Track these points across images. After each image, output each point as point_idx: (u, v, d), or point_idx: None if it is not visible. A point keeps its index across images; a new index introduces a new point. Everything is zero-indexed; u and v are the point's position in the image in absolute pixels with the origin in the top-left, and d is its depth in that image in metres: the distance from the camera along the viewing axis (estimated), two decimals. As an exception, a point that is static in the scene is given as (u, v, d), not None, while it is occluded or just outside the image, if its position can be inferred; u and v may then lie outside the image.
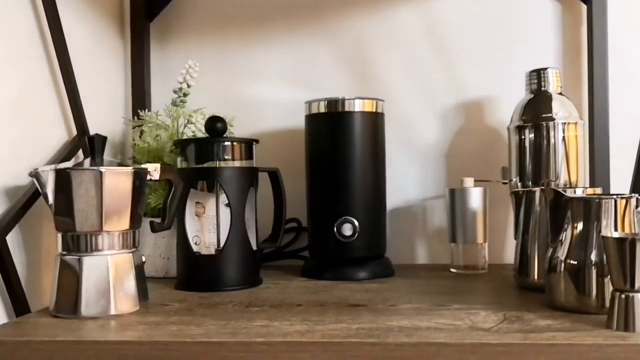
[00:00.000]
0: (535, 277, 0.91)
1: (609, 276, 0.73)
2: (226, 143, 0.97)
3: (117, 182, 0.79)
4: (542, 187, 0.83)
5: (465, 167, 1.18)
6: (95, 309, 0.77)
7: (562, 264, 0.78)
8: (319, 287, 0.96)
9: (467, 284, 0.98)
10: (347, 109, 1.03)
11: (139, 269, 0.82)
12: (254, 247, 0.99)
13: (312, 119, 1.06)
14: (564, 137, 1.03)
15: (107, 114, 1.15)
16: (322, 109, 1.04)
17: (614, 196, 0.76)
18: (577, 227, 0.78)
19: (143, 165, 0.84)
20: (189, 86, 1.10)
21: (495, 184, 1.10)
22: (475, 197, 1.07)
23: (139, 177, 0.82)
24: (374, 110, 1.04)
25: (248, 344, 0.66)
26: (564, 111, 1.04)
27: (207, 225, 1.01)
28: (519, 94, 1.10)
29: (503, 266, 1.14)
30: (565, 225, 0.79)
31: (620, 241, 0.67)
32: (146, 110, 1.13)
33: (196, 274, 0.96)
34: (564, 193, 0.79)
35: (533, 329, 0.68)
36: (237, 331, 0.70)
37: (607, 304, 0.73)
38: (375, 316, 0.76)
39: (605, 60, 1.12)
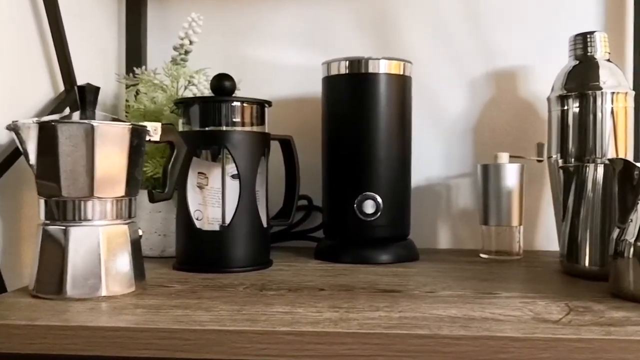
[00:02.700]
0: (587, 263, 0.79)
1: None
2: (235, 103, 0.85)
3: (112, 139, 0.67)
4: (610, 159, 0.72)
5: (495, 143, 1.06)
6: (84, 288, 0.65)
7: (632, 248, 0.67)
8: (338, 270, 0.85)
9: (506, 270, 0.86)
10: (371, 70, 0.91)
11: (135, 243, 0.70)
12: (265, 224, 0.87)
13: (331, 82, 0.94)
14: (612, 109, 0.92)
15: (97, 70, 1.02)
16: (343, 70, 0.92)
17: (696, 169, 0.66)
18: (650, 204, 0.67)
19: (142, 123, 0.72)
20: (191, 42, 0.98)
21: (527, 161, 0.99)
22: (510, 175, 0.95)
23: (138, 135, 0.69)
24: (402, 73, 0.92)
25: (271, 334, 0.54)
26: (613, 80, 0.93)
27: (211, 198, 0.89)
28: (556, 63, 0.99)
29: (537, 252, 1.03)
30: (636, 203, 0.68)
31: None
32: (143, 68, 1.01)
33: (199, 252, 0.84)
34: (636, 164, 0.68)
35: (610, 322, 0.57)
36: (255, 318, 0.58)
37: (687, 294, 0.63)
38: (416, 304, 0.64)
39: (655, 27, 1.01)
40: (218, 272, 0.81)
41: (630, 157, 0.93)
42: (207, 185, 0.89)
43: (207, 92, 0.95)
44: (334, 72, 0.93)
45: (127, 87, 0.99)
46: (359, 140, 0.91)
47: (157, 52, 1.09)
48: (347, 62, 0.92)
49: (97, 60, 1.02)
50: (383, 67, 0.91)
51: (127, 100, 1.00)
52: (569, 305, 0.64)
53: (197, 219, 0.86)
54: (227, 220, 0.84)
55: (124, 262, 0.68)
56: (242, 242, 0.83)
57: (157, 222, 0.93)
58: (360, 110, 0.90)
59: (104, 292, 0.66)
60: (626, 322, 0.57)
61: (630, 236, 0.67)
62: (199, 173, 0.88)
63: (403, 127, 0.93)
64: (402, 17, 1.09)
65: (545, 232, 1.07)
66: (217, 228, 0.86)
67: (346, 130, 0.92)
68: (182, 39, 0.97)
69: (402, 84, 0.92)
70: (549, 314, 0.60)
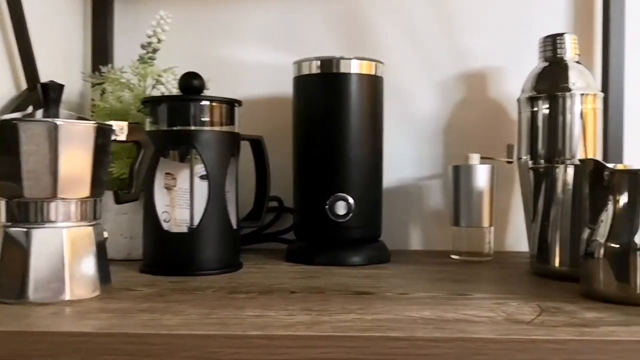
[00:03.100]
0: (557, 263, 0.80)
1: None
2: (204, 103, 0.83)
3: (76, 138, 0.64)
4: (581, 159, 0.72)
5: (465, 144, 1.06)
6: (47, 293, 0.63)
7: (603, 248, 0.67)
8: (310, 272, 0.83)
9: (478, 271, 0.86)
10: (342, 70, 0.90)
11: (101, 246, 0.68)
12: (234, 225, 0.85)
13: (302, 81, 0.93)
14: (581, 110, 0.93)
15: (62, 69, 0.99)
16: (315, 70, 0.91)
17: (665, 170, 0.66)
18: (619, 205, 0.67)
19: (108, 122, 0.69)
20: (159, 41, 0.96)
21: (496, 162, 0.99)
22: (481, 176, 0.95)
23: (103, 134, 0.67)
24: (374, 73, 0.92)
25: (242, 338, 0.53)
26: (582, 81, 0.94)
27: (179, 199, 0.87)
28: (525, 65, 0.99)
29: (507, 253, 1.03)
30: (606, 204, 0.68)
31: (687, 219, 0.57)
32: (109, 66, 0.98)
33: (167, 255, 0.82)
34: (606, 165, 0.68)
35: (583, 323, 0.57)
36: (226, 322, 0.57)
37: (657, 293, 0.64)
38: (389, 306, 0.63)
39: (623, 29, 1.02)
40: (186, 275, 0.79)
41: (599, 159, 0.94)
42: (174, 186, 0.87)
43: (176, 92, 0.93)
44: (305, 71, 0.92)
45: (93, 85, 0.96)
46: (331, 140, 0.89)
47: (125, 50, 1.06)
48: (319, 62, 0.91)
49: (62, 59, 1.00)
50: (355, 67, 0.90)
51: (92, 100, 0.97)
52: (541, 306, 0.64)
53: (164, 221, 0.84)
54: (196, 221, 0.83)
55: (88, 265, 0.66)
56: (211, 244, 0.82)
57: (123, 224, 0.91)
58: (332, 110, 0.89)
59: (67, 296, 0.63)
60: (599, 323, 0.57)
61: (601, 237, 0.67)
62: (166, 174, 0.86)
63: (375, 128, 0.92)
64: (372, 17, 1.08)
65: (515, 233, 1.07)
66: (185, 230, 0.84)
67: (318, 131, 0.90)
68: (150, 37, 0.95)
69: (373, 84, 0.92)
70: (521, 314, 0.60)
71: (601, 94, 0.95)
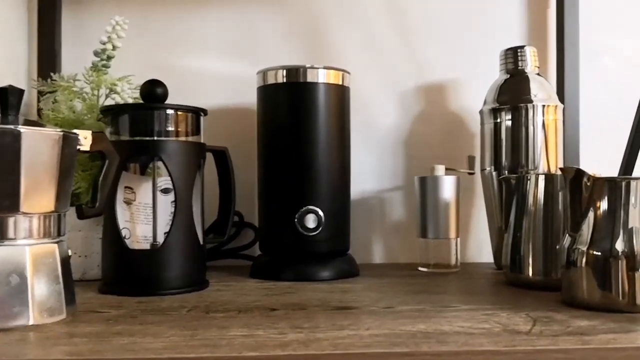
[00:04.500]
0: (531, 273, 0.80)
1: (638, 269, 0.64)
2: (169, 111, 0.79)
3: (41, 147, 0.59)
4: (561, 167, 0.72)
5: (426, 156, 1.06)
6: (8, 317, 0.57)
7: (585, 256, 0.67)
8: (282, 288, 0.80)
9: (450, 283, 0.85)
10: (309, 79, 0.87)
11: (65, 264, 0.63)
12: (201, 241, 0.81)
13: (268, 91, 0.90)
14: (543, 121, 0.94)
15: (6, 75, 0.92)
16: (281, 79, 0.88)
17: (643, 177, 0.67)
18: (600, 212, 0.67)
19: (74, 131, 0.64)
20: (114, 48, 0.90)
21: (457, 174, 0.98)
22: (447, 187, 0.95)
23: (69, 143, 0.62)
24: (341, 83, 0.90)
25: (238, 360, 0.49)
26: (544, 93, 0.95)
27: (139, 214, 0.82)
28: (483, 77, 1.01)
29: (471, 264, 1.03)
30: (587, 212, 0.68)
31: (676, 225, 0.57)
32: (59, 74, 0.92)
33: (130, 273, 0.76)
34: (587, 172, 0.68)
35: (581, 331, 0.56)
36: (215, 343, 0.53)
37: (639, 300, 0.64)
38: (380, 320, 0.61)
39: (577, 41, 1.05)
40: (151, 294, 0.75)
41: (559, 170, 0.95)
42: (134, 200, 0.82)
43: (132, 101, 0.88)
44: (270, 81, 0.89)
45: (43, 94, 0.90)
46: (299, 151, 0.87)
47: (73, 57, 1.00)
48: (285, 71, 0.88)
49: (5, 65, 0.93)
50: (322, 77, 0.88)
51: (40, 109, 0.91)
52: (531, 315, 0.63)
53: (124, 237, 0.79)
54: (159, 237, 0.78)
55: (54, 286, 0.60)
56: (178, 262, 0.77)
57: (77, 242, 0.85)
58: (299, 120, 0.87)
59: (31, 321, 0.58)
60: (595, 331, 0.56)
61: (583, 245, 0.68)
62: (125, 187, 0.81)
63: (342, 138, 0.90)
64: (332, 28, 1.07)
65: (476, 243, 1.08)
66: (147, 247, 0.79)
67: (284, 142, 0.88)
68: (104, 43, 0.89)
69: (341, 94, 0.90)
70: (516, 325, 0.59)
71: (561, 105, 0.96)
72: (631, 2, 1.10)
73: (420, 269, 0.95)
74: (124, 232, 0.79)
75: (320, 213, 0.86)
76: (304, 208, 0.86)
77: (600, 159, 1.02)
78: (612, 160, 0.99)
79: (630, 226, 0.66)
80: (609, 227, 0.67)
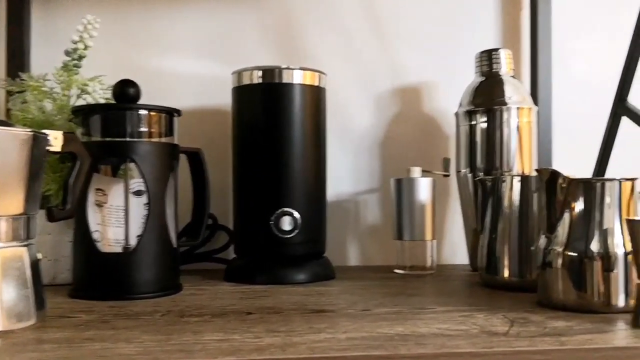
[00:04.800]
0: (506, 274, 0.80)
1: (613, 270, 0.65)
2: (142, 112, 0.77)
3: (9, 147, 0.57)
4: (537, 169, 0.73)
5: (402, 158, 1.06)
6: (-26, 324, 0.55)
7: (561, 257, 0.67)
8: (257, 291, 0.79)
9: (426, 285, 0.85)
10: (285, 80, 0.87)
11: (35, 268, 0.61)
12: (174, 244, 0.80)
13: (243, 92, 0.89)
14: (517, 124, 0.94)
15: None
16: (256, 80, 0.87)
17: (617, 178, 0.67)
18: (575, 214, 0.68)
19: (44, 131, 0.62)
20: (86, 47, 0.88)
21: (432, 176, 0.98)
22: (423, 189, 0.94)
23: (39, 143, 0.60)
24: (317, 84, 0.89)
25: (215, 365, 0.48)
26: (518, 95, 0.96)
27: (111, 217, 0.80)
28: (458, 80, 1.01)
29: (446, 266, 1.03)
30: (563, 213, 0.68)
31: (651, 225, 0.58)
32: (28, 73, 0.90)
33: (101, 277, 0.75)
34: (563, 174, 0.69)
35: (558, 332, 0.56)
36: (189, 348, 0.52)
37: (614, 301, 0.65)
38: (357, 323, 0.60)
39: (550, 45, 1.06)
40: (124, 298, 0.73)
41: (533, 171, 0.96)
42: (106, 203, 0.80)
43: (103, 102, 0.86)
44: (246, 81, 0.88)
45: (12, 94, 0.87)
46: (274, 153, 0.86)
47: (42, 57, 0.98)
48: (260, 72, 0.87)
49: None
50: (298, 78, 0.87)
51: (9, 109, 0.88)
52: (507, 316, 0.63)
53: (95, 241, 0.77)
54: (131, 240, 0.76)
55: (23, 291, 0.58)
56: (150, 265, 0.76)
57: (47, 245, 0.82)
58: (274, 121, 0.86)
59: (0, 327, 0.56)
60: (572, 332, 0.57)
61: (559, 246, 0.68)
62: (97, 189, 0.79)
63: (318, 140, 0.89)
64: (308, 29, 1.06)
65: (451, 245, 1.08)
66: (119, 250, 0.77)
67: (260, 143, 0.86)
68: (75, 43, 0.87)
69: (317, 96, 0.89)
70: (493, 326, 0.59)
71: (535, 108, 0.97)
72: (603, 7, 1.11)
73: (396, 271, 0.95)
74: (95, 235, 0.77)
75: (297, 215, 0.85)
76: (280, 210, 0.85)
77: (573, 160, 1.03)
78: (585, 161, 1.01)
79: (605, 227, 0.66)
80: (584, 228, 0.67)
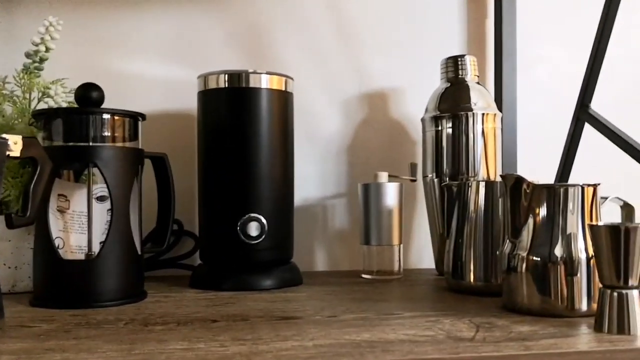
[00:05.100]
0: (472, 279, 0.80)
1: (576, 274, 0.66)
2: (106, 116, 0.76)
3: (-34, 153, 0.56)
4: (502, 175, 0.73)
5: (369, 163, 1.06)
6: None
7: (525, 262, 0.68)
8: (223, 298, 0.78)
9: (393, 290, 0.85)
10: (252, 84, 0.86)
11: (-7, 277, 0.59)
12: (139, 250, 0.78)
13: (209, 96, 0.88)
14: (483, 129, 0.95)
15: None
16: (222, 84, 0.87)
17: (580, 184, 0.68)
18: (539, 219, 0.68)
19: (2, 135, 0.61)
20: (47, 49, 0.87)
21: (400, 181, 0.99)
22: (391, 194, 0.95)
23: (-3, 148, 0.59)
24: (284, 89, 0.89)
25: (179, 375, 0.47)
26: (483, 101, 0.96)
27: (74, 223, 0.78)
28: (423, 86, 1.02)
29: (413, 271, 1.04)
30: (527, 218, 0.69)
31: (612, 231, 0.59)
32: (-13, 76, 0.87)
33: (63, 285, 0.73)
34: (527, 179, 0.69)
35: (522, 337, 0.57)
36: (153, 357, 0.51)
37: (577, 305, 0.66)
38: (324, 330, 0.60)
39: (514, 52, 1.07)
40: (86, 307, 0.72)
41: (498, 177, 0.96)
42: (68, 209, 0.78)
43: (66, 106, 0.85)
44: (212, 85, 0.87)
45: (-32, 97, 0.85)
46: (241, 158, 0.85)
47: (0, 59, 0.96)
48: (227, 76, 0.86)
49: None
50: (265, 82, 0.86)
51: (-34, 113, 0.86)
52: (473, 321, 0.63)
53: (57, 247, 0.75)
54: (95, 247, 0.75)
55: (-20, 300, 0.57)
56: (114, 272, 0.74)
57: (7, 252, 0.81)
58: (241, 126, 0.85)
59: (-45, 338, 0.54)
60: (537, 336, 0.57)
61: (523, 251, 0.69)
62: (59, 195, 0.78)
63: (285, 145, 0.89)
64: (275, 33, 1.06)
65: (417, 250, 1.08)
66: (82, 257, 0.76)
67: (226, 148, 0.86)
68: (36, 44, 0.86)
69: (284, 100, 0.89)
70: (459, 332, 0.59)
71: (500, 114, 0.98)
72: (567, 15, 1.13)
73: (363, 276, 0.95)
74: (57, 242, 0.76)
75: (264, 221, 0.85)
76: (247, 215, 0.84)
77: (537, 166, 1.05)
78: (549, 167, 1.03)
79: (568, 232, 0.67)
80: (548, 233, 0.68)
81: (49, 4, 0.99)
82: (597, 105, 0.96)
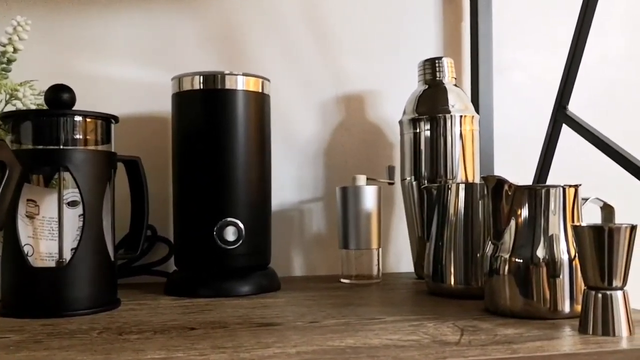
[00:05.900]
0: (452, 282, 0.80)
1: (558, 276, 0.65)
2: (77, 118, 0.74)
3: None
4: (483, 176, 0.72)
5: (347, 166, 1.05)
6: None
7: (507, 264, 0.67)
8: (200, 305, 0.76)
9: (373, 294, 0.84)
10: (228, 86, 0.84)
11: (-42, 286, 0.56)
12: (112, 257, 0.76)
13: (183, 98, 0.86)
14: (460, 132, 0.95)
15: None
16: (197, 86, 0.85)
17: (561, 185, 0.68)
18: (521, 221, 0.68)
19: (-33, 137, 0.58)
20: (15, 50, 0.84)
21: (377, 184, 0.98)
22: (369, 197, 0.94)
23: (-37, 151, 0.56)
24: (260, 91, 0.87)
25: (158, 385, 0.45)
26: (461, 103, 0.96)
27: (44, 230, 0.75)
28: (401, 89, 1.02)
29: (392, 274, 1.03)
30: (509, 220, 0.69)
31: (596, 231, 0.58)
32: (-49, 77, 0.84)
33: (33, 293, 0.70)
34: (508, 181, 0.69)
35: (508, 340, 0.56)
36: (130, 368, 0.49)
37: (560, 307, 0.65)
38: (306, 336, 0.58)
39: (490, 55, 1.07)
40: (58, 316, 0.69)
41: (477, 179, 0.96)
42: (37, 214, 0.76)
43: (34, 108, 0.82)
44: (186, 87, 0.85)
45: None
46: (216, 161, 0.83)
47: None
48: (202, 77, 0.84)
49: None
50: (241, 84, 0.85)
51: None
52: (457, 325, 0.62)
53: (27, 255, 0.73)
54: (66, 254, 0.72)
55: (-56, 311, 0.54)
56: (86, 280, 0.72)
57: (-27, 260, 0.77)
58: (216, 129, 0.83)
59: None
60: (522, 339, 0.56)
61: (505, 252, 0.68)
62: (28, 200, 0.75)
63: (262, 148, 0.87)
64: (251, 35, 1.04)
65: (395, 253, 1.08)
66: (52, 264, 0.73)
67: (201, 151, 0.84)
68: (4, 45, 0.83)
69: (260, 102, 0.87)
70: (444, 335, 0.58)
71: (477, 116, 0.98)
72: (543, 17, 1.14)
73: (342, 280, 0.94)
74: (26, 249, 0.73)
75: (241, 225, 0.83)
76: (223, 220, 0.82)
77: (514, 167, 1.05)
78: (526, 168, 1.03)
79: (550, 233, 0.66)
80: (530, 234, 0.67)
81: (18, 3, 0.96)
82: (575, 107, 0.96)
